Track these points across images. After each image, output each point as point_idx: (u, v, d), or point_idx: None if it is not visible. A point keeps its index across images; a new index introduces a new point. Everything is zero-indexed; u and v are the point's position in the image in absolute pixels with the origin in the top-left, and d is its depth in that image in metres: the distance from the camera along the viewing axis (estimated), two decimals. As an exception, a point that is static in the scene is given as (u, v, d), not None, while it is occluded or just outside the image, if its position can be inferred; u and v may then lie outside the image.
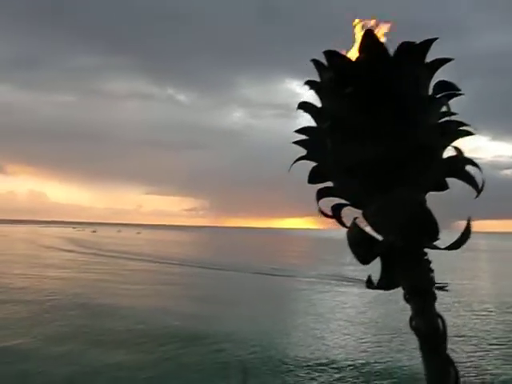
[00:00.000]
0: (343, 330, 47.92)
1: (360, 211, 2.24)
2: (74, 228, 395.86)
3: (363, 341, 43.17)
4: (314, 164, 2.30)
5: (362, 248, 2.21)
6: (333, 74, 2.05)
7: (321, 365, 35.26)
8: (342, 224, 2.37)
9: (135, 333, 43.69)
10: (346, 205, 2.33)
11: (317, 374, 33.17)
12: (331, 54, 2.06)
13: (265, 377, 31.79)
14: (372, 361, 36.41)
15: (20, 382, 29.72)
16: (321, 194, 2.35)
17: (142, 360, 35.30)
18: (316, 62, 2.14)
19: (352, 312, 58.67)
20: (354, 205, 2.28)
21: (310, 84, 2.24)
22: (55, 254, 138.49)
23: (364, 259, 2.23)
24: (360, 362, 36.16)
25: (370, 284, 2.31)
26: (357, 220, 2.24)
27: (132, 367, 33.80)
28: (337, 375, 32.96)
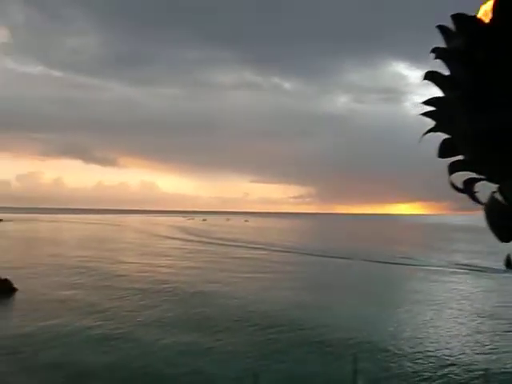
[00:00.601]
0: (459, 320, 45.57)
1: (496, 185, 2.13)
2: (184, 217, 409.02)
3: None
4: (444, 137, 2.22)
5: (503, 224, 2.05)
6: (464, 40, 1.91)
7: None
8: (475, 200, 2.23)
9: (247, 320, 42.28)
10: (479, 179, 2.20)
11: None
12: (460, 18, 1.90)
13: (375, 366, 30.87)
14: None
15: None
16: (453, 168, 2.24)
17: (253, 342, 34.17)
18: (442, 28, 2.03)
19: (467, 301, 55.30)
20: (490, 178, 2.13)
21: (438, 51, 2.09)
22: (169, 242, 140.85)
23: (505, 236, 2.07)
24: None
25: (509, 264, 2.21)
26: (495, 195, 2.09)
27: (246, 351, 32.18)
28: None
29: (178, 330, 40.70)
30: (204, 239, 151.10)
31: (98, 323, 42.81)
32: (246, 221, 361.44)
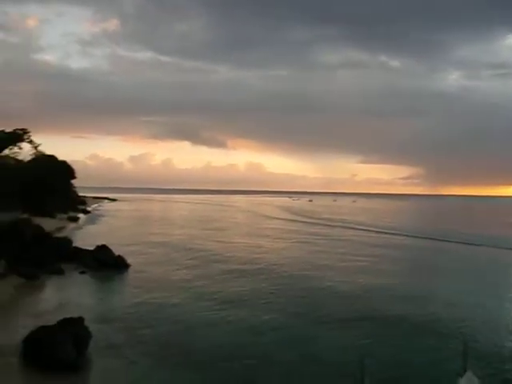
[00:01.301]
0: None
1: None
2: (290, 198, 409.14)
3: None
4: None
5: None
6: None
7: None
8: None
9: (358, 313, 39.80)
10: None
11: None
12: None
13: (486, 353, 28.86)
14: None
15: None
16: None
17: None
18: None
19: None
20: None
21: None
22: (275, 222, 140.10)
23: None
24: None
25: None
26: None
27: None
28: None
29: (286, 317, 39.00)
30: (310, 220, 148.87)
31: (193, 296, 42.55)
32: (353, 201, 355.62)
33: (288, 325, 36.09)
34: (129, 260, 59.49)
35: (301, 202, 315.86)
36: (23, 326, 31.64)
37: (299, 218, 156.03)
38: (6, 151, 63.59)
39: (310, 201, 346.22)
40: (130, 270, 57.24)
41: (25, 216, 67.71)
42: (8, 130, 62.88)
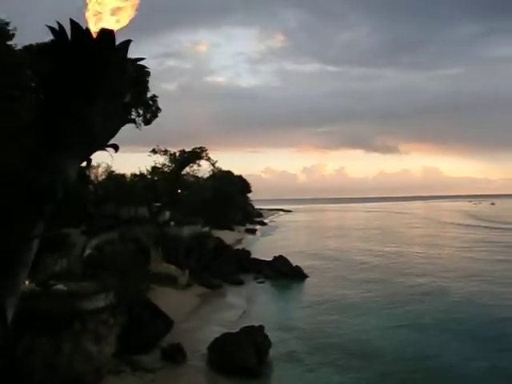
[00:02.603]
0: None
1: None
2: (470, 201, 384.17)
3: None
4: None
5: None
6: None
7: None
8: None
9: None
10: None
11: None
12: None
13: None
14: None
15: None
16: None
17: None
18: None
19: None
20: None
21: None
22: (453, 228, 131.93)
23: None
24: None
25: None
26: None
27: None
28: None
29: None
30: (495, 225, 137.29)
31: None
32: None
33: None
34: (305, 270, 59.59)
35: (482, 206, 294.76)
36: (208, 333, 32.98)
37: (482, 224, 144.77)
38: (187, 169, 67.89)
39: (493, 204, 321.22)
40: (308, 280, 57.31)
41: (206, 229, 71.67)
42: (187, 149, 67.24)
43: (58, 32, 5.51)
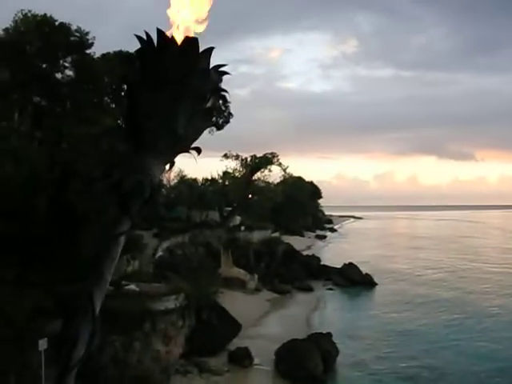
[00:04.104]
0: None
1: None
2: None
3: None
4: None
5: None
6: None
7: None
8: None
9: None
10: None
11: None
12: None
13: None
14: None
15: None
16: None
17: None
18: None
19: None
20: None
21: None
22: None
23: None
24: None
25: None
26: None
27: None
28: None
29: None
30: None
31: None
32: None
33: None
34: (375, 278, 58.54)
35: None
36: (276, 338, 32.96)
37: None
38: (258, 174, 68.26)
39: None
40: (377, 288, 56.28)
41: (276, 235, 71.81)
42: (258, 154, 67.61)
43: (146, 41, 5.97)
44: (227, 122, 43.01)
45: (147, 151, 2.87)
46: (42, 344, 19.04)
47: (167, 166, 3.77)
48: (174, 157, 3.91)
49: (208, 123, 4.97)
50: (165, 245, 44.55)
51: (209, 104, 5.57)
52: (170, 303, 25.72)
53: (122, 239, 2.08)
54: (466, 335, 37.29)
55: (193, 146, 5.13)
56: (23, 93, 28.14)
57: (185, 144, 4.18)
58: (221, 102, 41.25)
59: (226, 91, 5.80)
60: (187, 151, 4.01)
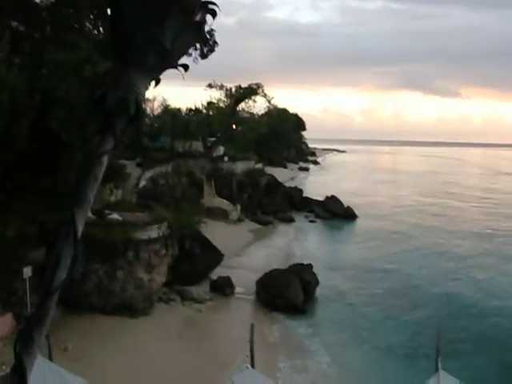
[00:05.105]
0: None
1: None
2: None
3: None
4: None
5: None
6: None
7: None
8: None
9: None
10: None
11: None
12: None
13: None
14: None
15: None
16: None
17: None
18: None
19: None
20: None
21: None
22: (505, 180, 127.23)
23: None
24: None
25: None
26: None
27: None
28: None
29: None
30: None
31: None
32: None
33: None
34: (356, 210, 59.30)
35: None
36: (257, 268, 33.57)
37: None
38: (242, 105, 67.41)
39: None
40: (358, 220, 57.16)
41: (259, 166, 71.75)
42: (243, 84, 66.48)
43: None
44: (212, 50, 41.87)
45: (132, 66, 2.71)
46: (27, 272, 19.25)
47: (153, 83, 3.60)
48: (161, 73, 3.72)
49: (196, 38, 4.67)
50: (148, 174, 44.36)
51: (197, 18, 5.21)
52: (153, 232, 25.91)
53: (106, 159, 1.98)
54: (434, 261, 38.32)
55: (180, 62, 4.87)
56: (0, 17, 26.92)
57: (172, 60, 3.95)
58: (208, 15, 39.99)
59: (215, 4, 5.44)
60: (174, 67, 3.82)
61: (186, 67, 2.67)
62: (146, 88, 2.21)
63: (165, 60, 2.43)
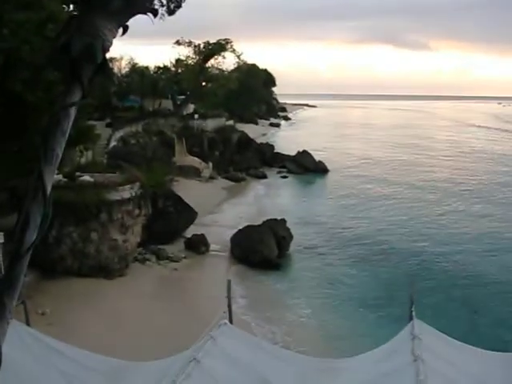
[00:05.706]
0: None
1: None
2: (499, 103, 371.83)
3: None
4: None
5: None
6: None
7: None
8: None
9: None
10: None
11: None
12: None
13: None
14: None
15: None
16: None
17: None
18: None
19: None
20: None
21: None
22: (480, 131, 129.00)
23: None
24: None
25: None
26: None
27: None
28: None
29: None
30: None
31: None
32: None
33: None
34: (327, 165, 59.62)
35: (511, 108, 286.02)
36: (231, 225, 33.71)
37: (505, 126, 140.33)
38: (212, 61, 66.25)
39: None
40: (330, 174, 57.53)
41: (230, 122, 71.20)
42: (212, 40, 65.17)
43: None
44: (179, 6, 40.81)
45: (97, 10, 2.53)
46: (-1, 238, 18.97)
47: (120, 30, 3.40)
48: (128, 19, 3.52)
49: None
50: (118, 135, 43.67)
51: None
52: (126, 193, 25.67)
53: (73, 111, 1.85)
54: (412, 217, 39.00)
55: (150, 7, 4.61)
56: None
57: (138, 4, 3.72)
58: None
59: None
60: (143, 13, 3.61)
61: (155, 12, 2.49)
62: (114, 35, 2.04)
63: (131, 4, 2.24)
